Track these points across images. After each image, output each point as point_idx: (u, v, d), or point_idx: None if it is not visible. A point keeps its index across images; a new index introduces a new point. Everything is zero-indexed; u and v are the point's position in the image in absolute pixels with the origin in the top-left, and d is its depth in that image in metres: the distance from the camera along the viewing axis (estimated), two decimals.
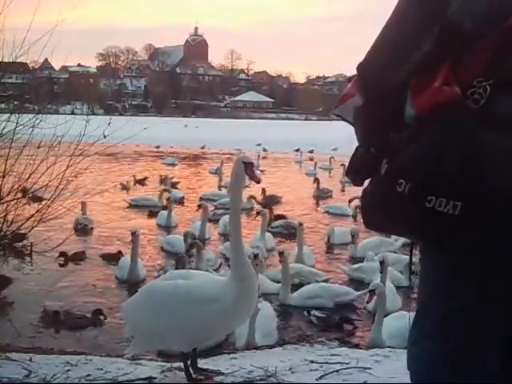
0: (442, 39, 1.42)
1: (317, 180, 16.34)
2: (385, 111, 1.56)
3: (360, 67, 1.59)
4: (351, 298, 7.27)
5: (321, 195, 16.00)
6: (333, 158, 22.82)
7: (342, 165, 20.67)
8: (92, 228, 11.62)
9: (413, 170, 1.42)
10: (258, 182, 3.46)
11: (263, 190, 14.50)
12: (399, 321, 5.42)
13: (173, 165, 24.89)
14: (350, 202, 13.72)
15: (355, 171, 1.66)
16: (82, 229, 11.30)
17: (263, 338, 5.42)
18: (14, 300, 6.99)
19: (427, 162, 1.41)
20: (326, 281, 7.86)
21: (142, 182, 18.38)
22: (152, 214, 12.90)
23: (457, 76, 1.43)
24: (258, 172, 3.38)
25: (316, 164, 22.47)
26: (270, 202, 14.06)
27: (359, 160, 1.62)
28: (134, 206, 14.07)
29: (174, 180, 17.99)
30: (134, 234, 8.06)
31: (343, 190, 17.79)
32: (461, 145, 1.38)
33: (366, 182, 1.64)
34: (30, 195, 6.66)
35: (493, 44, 1.40)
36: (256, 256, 6.65)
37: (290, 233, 10.75)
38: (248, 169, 3.46)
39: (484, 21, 1.40)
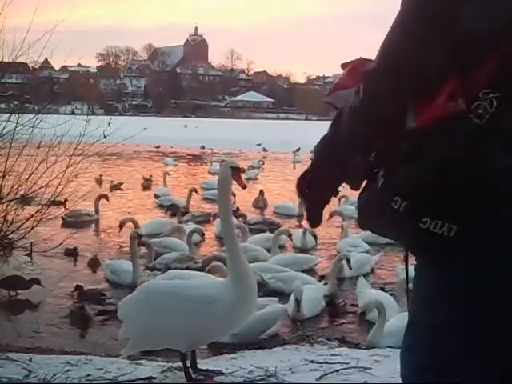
0: (452, 52, 1.36)
1: None
2: (384, 120, 1.50)
3: (369, 71, 1.50)
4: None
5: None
6: None
7: None
8: (83, 222, 11.61)
9: (408, 190, 1.39)
10: (244, 187, 3.50)
11: (261, 192, 14.49)
12: (400, 321, 5.46)
13: (173, 165, 24.86)
14: (339, 200, 13.71)
15: (350, 177, 1.60)
16: (69, 223, 11.22)
17: (310, 309, 6.47)
18: (14, 300, 6.99)
19: (423, 183, 1.37)
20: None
21: (99, 182, 17.75)
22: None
23: (464, 88, 1.37)
24: (244, 178, 3.44)
25: None
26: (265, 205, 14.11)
27: (350, 166, 1.57)
28: (159, 206, 13.80)
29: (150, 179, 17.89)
30: (132, 236, 7.87)
31: None
32: (461, 165, 1.33)
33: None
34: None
35: (503, 54, 1.34)
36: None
37: (270, 229, 10.91)
38: (235, 174, 3.50)
39: (498, 35, 1.33)
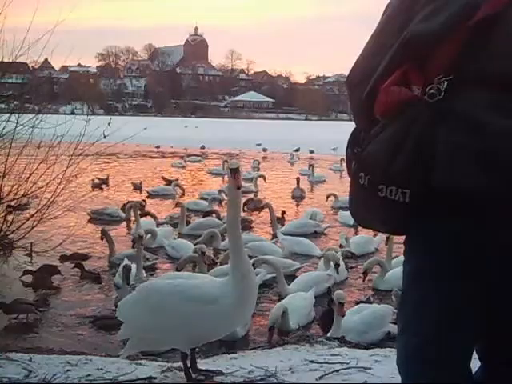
0: (401, 47, 1.54)
1: (297, 180, 16.31)
2: (361, 114, 1.71)
3: (346, 81, 1.77)
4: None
5: (302, 195, 16.01)
6: (343, 159, 22.06)
7: (310, 165, 20.83)
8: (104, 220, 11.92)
9: (367, 164, 1.56)
10: (238, 188, 3.54)
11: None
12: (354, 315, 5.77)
13: (182, 167, 24.78)
14: (327, 198, 14.19)
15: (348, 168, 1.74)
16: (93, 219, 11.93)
17: (298, 320, 6.15)
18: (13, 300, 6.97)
19: (378, 155, 1.53)
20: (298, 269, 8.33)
21: (106, 182, 17.80)
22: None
23: (422, 77, 1.54)
24: (241, 178, 3.53)
25: (310, 165, 21.94)
26: (256, 207, 14.00)
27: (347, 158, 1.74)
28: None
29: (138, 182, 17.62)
30: (139, 237, 7.89)
31: (312, 190, 17.85)
32: (408, 136, 1.49)
33: None
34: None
35: (456, 44, 1.49)
36: (203, 253, 7.16)
37: (243, 226, 11.05)
38: (232, 174, 3.53)
39: (441, 31, 1.50)
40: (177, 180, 17.69)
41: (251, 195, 15.86)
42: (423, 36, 1.50)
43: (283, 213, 12.50)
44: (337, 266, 6.34)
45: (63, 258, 8.60)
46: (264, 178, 17.49)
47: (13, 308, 6.30)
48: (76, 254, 8.99)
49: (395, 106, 1.52)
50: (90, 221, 12.18)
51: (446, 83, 1.48)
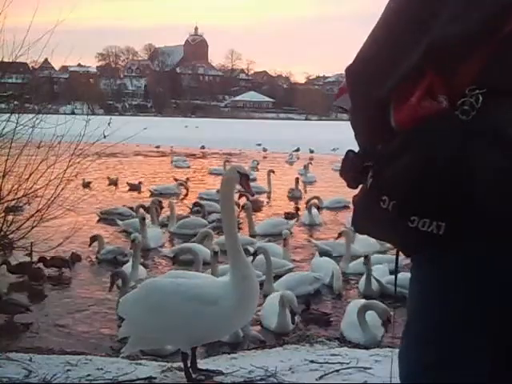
0: (427, 53, 1.38)
1: (296, 180, 16.22)
2: (371, 121, 1.54)
3: (348, 73, 1.55)
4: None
5: (300, 195, 15.93)
6: None
7: (304, 165, 20.77)
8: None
9: (395, 189, 1.39)
10: (253, 195, 3.45)
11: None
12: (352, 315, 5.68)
13: (186, 167, 24.58)
14: (306, 203, 13.57)
15: (347, 175, 1.61)
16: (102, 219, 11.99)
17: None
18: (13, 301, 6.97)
19: (409, 181, 1.37)
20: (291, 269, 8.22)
21: (114, 182, 17.72)
22: None
23: (448, 86, 1.38)
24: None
25: (308, 165, 21.61)
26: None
27: (350, 164, 1.59)
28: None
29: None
30: (133, 241, 7.91)
31: (305, 190, 17.71)
32: (444, 162, 1.33)
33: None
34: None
35: (487, 52, 1.36)
36: (216, 253, 7.16)
37: None
38: (243, 181, 3.48)
39: (474, 35, 1.35)
40: (187, 180, 17.55)
41: (264, 195, 15.93)
42: (455, 39, 1.35)
43: (297, 209, 12.90)
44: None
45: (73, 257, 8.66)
46: (273, 172, 17.33)
47: (3, 308, 6.31)
48: (74, 253, 8.96)
49: (420, 119, 1.37)
50: (99, 221, 12.14)
51: (480, 98, 1.32)
